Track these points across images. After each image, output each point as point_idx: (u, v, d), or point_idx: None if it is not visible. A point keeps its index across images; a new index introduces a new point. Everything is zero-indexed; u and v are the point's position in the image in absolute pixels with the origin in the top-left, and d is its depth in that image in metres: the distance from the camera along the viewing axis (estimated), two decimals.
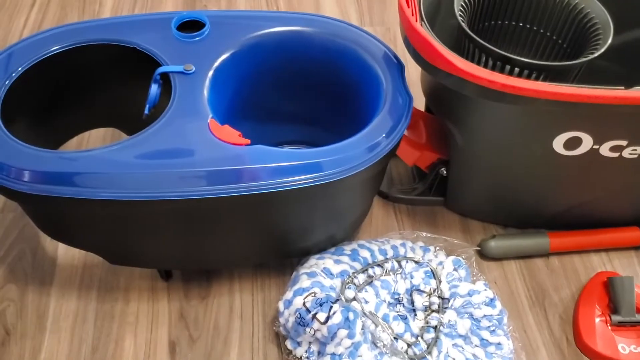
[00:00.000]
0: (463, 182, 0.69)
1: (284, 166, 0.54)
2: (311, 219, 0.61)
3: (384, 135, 0.57)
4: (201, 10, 0.65)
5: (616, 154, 0.59)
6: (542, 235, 0.69)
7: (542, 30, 0.68)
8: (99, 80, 0.67)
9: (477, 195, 0.70)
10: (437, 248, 0.66)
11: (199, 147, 0.54)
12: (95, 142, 0.78)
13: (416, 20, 0.57)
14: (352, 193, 0.61)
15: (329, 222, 0.63)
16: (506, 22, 0.69)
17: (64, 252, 0.68)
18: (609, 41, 0.60)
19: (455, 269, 0.63)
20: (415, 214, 0.74)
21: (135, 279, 0.66)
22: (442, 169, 0.70)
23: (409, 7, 0.58)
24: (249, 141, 0.54)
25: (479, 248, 0.69)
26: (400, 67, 0.62)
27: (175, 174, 0.53)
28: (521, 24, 0.69)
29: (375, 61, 0.63)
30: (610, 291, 0.64)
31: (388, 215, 0.74)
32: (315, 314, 0.56)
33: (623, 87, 0.53)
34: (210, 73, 0.60)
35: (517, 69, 0.60)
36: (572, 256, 0.70)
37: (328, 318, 0.56)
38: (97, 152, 0.54)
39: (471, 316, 0.59)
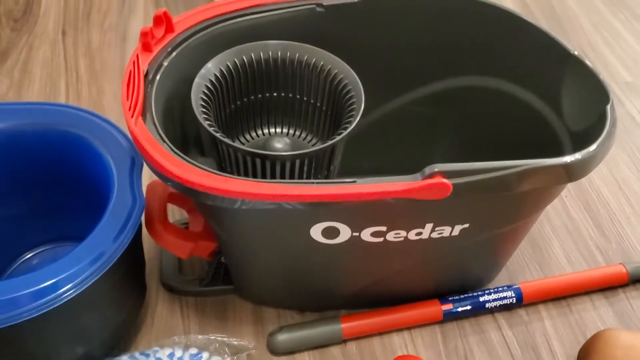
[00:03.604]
0: (241, 271, 0.62)
1: None
2: (42, 346, 0.52)
3: (109, 242, 0.49)
4: None
5: (380, 239, 0.54)
6: (334, 321, 0.63)
7: (310, 100, 0.62)
8: None
9: (261, 284, 0.64)
10: (211, 354, 0.59)
11: None
12: None
13: (133, 115, 0.50)
14: (88, 313, 0.53)
15: (70, 345, 0.54)
16: (274, 94, 0.62)
17: None
18: (361, 111, 0.54)
19: None
20: (204, 307, 0.66)
21: None
22: (223, 257, 0.63)
23: (128, 99, 0.51)
24: None
25: (250, 349, 0.61)
26: (134, 162, 0.54)
27: None
28: (287, 94, 0.62)
29: (109, 155, 0.55)
30: None
31: (173, 313, 0.66)
32: None
33: (355, 180, 0.47)
34: None
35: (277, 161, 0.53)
36: (372, 339, 0.64)
37: None
38: None
39: None
